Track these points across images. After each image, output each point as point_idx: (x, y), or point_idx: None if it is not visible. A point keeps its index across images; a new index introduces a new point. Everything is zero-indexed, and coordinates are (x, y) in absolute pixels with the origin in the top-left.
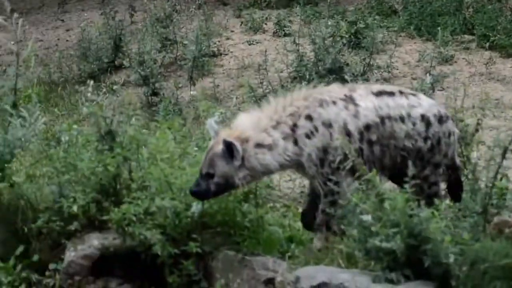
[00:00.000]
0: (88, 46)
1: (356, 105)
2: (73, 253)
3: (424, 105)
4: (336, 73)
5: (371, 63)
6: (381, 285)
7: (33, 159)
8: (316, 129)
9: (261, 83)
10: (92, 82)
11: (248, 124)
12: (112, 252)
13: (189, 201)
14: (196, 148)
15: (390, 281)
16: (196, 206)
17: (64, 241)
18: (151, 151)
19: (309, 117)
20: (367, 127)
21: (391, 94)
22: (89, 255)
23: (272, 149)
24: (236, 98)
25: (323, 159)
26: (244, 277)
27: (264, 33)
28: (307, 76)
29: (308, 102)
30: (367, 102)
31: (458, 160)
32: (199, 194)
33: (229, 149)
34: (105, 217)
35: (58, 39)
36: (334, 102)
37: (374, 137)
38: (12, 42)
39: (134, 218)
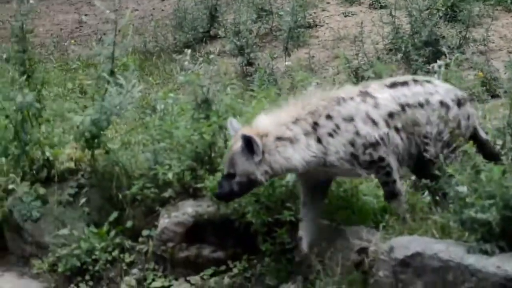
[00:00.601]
0: (184, 16)
1: (373, 97)
2: (167, 220)
3: (441, 91)
4: (432, 46)
5: (467, 36)
6: (475, 256)
7: (129, 126)
8: (338, 127)
9: (357, 54)
10: (189, 51)
11: (267, 121)
12: (206, 220)
13: None
14: None
15: (485, 252)
16: (291, 175)
17: (158, 208)
18: (247, 120)
19: (329, 117)
20: (390, 115)
21: (404, 84)
22: (183, 222)
23: (293, 142)
24: (332, 69)
25: (354, 152)
26: (337, 246)
27: (360, 5)
28: (403, 48)
29: (326, 102)
30: (383, 94)
31: (484, 135)
32: (223, 196)
33: (248, 144)
34: (199, 185)
35: (153, 9)
36: (351, 98)
37: (399, 124)
38: (109, 11)
39: None
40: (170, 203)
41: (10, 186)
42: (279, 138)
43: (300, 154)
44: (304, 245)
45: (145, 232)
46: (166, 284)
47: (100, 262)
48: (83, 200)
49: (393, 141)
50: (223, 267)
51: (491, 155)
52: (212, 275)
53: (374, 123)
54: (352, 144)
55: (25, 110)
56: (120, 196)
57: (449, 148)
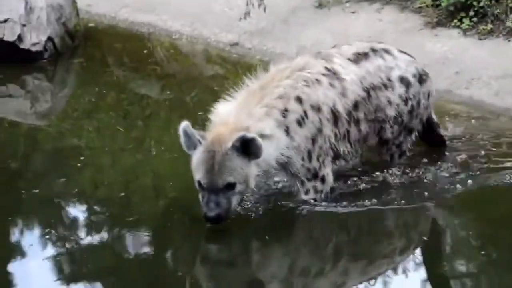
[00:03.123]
0: None
1: (341, 80)
2: None
3: (401, 65)
4: None
5: None
6: None
7: None
8: (306, 114)
9: None
10: None
11: (238, 112)
12: None
13: None
14: None
15: None
16: None
17: None
18: None
19: (299, 99)
20: (356, 104)
21: (366, 56)
22: None
23: (271, 139)
24: None
25: (311, 151)
26: None
27: None
28: None
29: (292, 80)
30: (350, 75)
31: (435, 117)
32: (223, 216)
33: (245, 145)
34: None
35: None
36: (318, 80)
37: (361, 115)
38: None
39: None
40: None
41: None
42: (262, 136)
43: (274, 152)
44: None
45: None
46: None
47: None
48: None
49: (352, 134)
50: None
51: (437, 141)
52: None
53: (335, 121)
54: (313, 141)
55: None
56: None
57: (406, 130)
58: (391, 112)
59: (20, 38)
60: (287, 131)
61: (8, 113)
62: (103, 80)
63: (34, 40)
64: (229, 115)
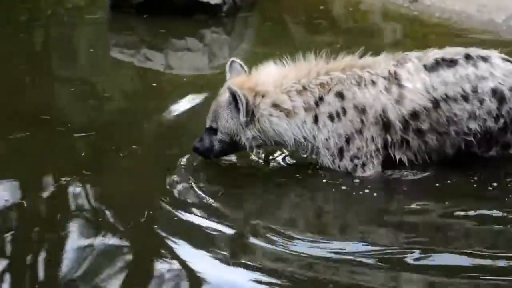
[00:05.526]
0: None
1: (400, 86)
2: None
3: (498, 75)
4: None
5: None
6: None
7: None
8: (345, 112)
9: None
10: None
11: (270, 77)
12: None
13: None
14: None
15: None
16: None
17: None
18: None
19: (340, 95)
20: (414, 114)
21: (452, 63)
22: None
23: (290, 116)
24: None
25: (344, 149)
26: None
27: None
28: None
29: (345, 75)
30: (415, 83)
31: None
32: (201, 151)
33: (235, 100)
34: None
35: None
36: (373, 82)
37: (425, 126)
38: None
39: None
40: None
41: None
42: (276, 105)
43: (293, 130)
44: None
45: None
46: None
47: None
48: None
49: (414, 144)
50: None
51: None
52: None
53: (385, 126)
54: (348, 140)
55: None
56: None
57: (498, 145)
58: (474, 126)
59: None
60: (315, 119)
61: (186, 68)
62: (280, 34)
63: None
64: (260, 74)
